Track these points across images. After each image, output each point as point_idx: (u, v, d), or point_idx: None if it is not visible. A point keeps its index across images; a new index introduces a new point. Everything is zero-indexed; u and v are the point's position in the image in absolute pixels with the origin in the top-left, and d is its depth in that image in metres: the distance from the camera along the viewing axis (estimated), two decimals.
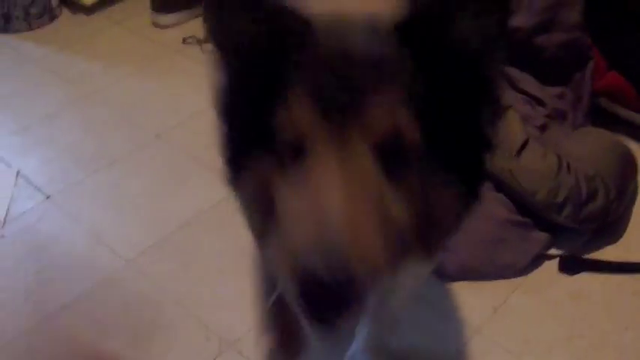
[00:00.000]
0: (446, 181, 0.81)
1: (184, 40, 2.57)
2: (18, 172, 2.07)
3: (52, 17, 2.88)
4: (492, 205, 1.76)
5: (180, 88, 2.37)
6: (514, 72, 2.18)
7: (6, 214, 1.92)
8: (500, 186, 1.81)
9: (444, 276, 1.69)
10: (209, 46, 0.88)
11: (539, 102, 2.11)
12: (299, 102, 0.77)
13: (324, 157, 0.75)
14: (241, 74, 0.85)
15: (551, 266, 1.75)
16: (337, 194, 0.72)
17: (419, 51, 0.78)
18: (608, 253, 1.78)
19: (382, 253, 0.74)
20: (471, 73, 0.81)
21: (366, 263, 0.71)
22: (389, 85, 0.77)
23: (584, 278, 1.71)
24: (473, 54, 0.80)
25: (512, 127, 1.88)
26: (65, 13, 2.92)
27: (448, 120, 0.79)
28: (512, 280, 1.71)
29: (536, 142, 1.89)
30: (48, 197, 1.98)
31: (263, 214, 0.86)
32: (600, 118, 2.11)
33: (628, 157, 1.92)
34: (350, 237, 0.70)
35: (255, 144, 0.83)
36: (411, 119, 0.77)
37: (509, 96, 2.12)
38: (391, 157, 0.77)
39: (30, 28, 2.82)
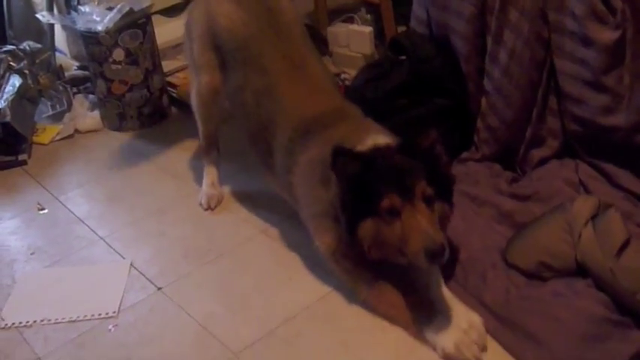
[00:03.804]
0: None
1: None
2: (131, 264, 2.18)
3: (163, 116, 3.07)
4: (590, 303, 1.74)
5: None
6: (612, 169, 2.19)
7: (120, 304, 2.02)
8: (601, 284, 1.80)
9: None
10: None
11: None
12: (391, 196, 1.68)
13: (410, 212, 1.68)
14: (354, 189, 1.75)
15: None
16: (424, 222, 1.66)
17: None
18: None
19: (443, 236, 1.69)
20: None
21: (443, 241, 1.64)
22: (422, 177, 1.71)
23: None
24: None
25: (612, 226, 1.87)
26: (174, 113, 3.11)
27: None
28: None
29: (638, 240, 1.87)
30: (159, 289, 2.07)
31: (370, 245, 1.77)
32: None
33: None
34: (435, 233, 1.65)
35: (363, 216, 1.74)
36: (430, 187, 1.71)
37: (608, 193, 2.12)
38: (427, 201, 1.70)
39: (142, 126, 3.01)
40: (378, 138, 1.85)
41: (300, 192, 1.99)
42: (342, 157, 1.73)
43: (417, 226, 1.65)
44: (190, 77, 2.46)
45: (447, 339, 1.70)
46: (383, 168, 1.73)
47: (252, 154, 2.25)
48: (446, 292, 1.82)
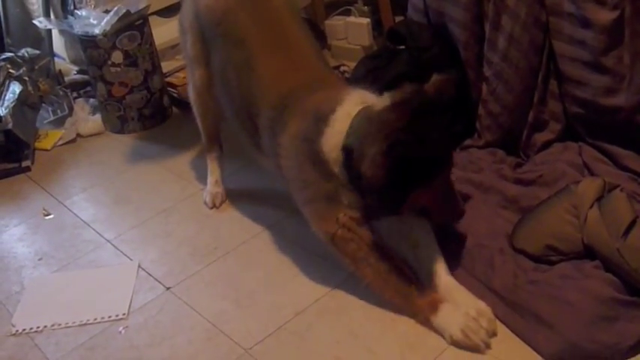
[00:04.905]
0: None
1: None
2: (139, 265, 2.19)
3: (164, 117, 3.07)
4: (598, 284, 1.74)
5: None
6: (616, 150, 2.18)
7: (129, 306, 2.02)
8: (609, 265, 1.79)
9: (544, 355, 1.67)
10: None
11: None
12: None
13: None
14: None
15: None
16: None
17: None
18: None
19: None
20: None
21: None
22: None
23: None
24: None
25: (618, 206, 1.86)
26: (175, 113, 3.11)
27: None
28: None
29: None
30: (168, 289, 2.07)
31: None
32: None
33: None
34: None
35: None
36: None
37: (612, 174, 2.12)
38: None
39: (144, 128, 3.01)
40: (359, 99, 1.81)
41: (289, 175, 1.94)
42: (398, 147, 1.64)
43: None
44: (187, 73, 2.46)
45: (454, 325, 1.70)
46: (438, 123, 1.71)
47: (240, 135, 2.19)
48: (451, 280, 1.83)
